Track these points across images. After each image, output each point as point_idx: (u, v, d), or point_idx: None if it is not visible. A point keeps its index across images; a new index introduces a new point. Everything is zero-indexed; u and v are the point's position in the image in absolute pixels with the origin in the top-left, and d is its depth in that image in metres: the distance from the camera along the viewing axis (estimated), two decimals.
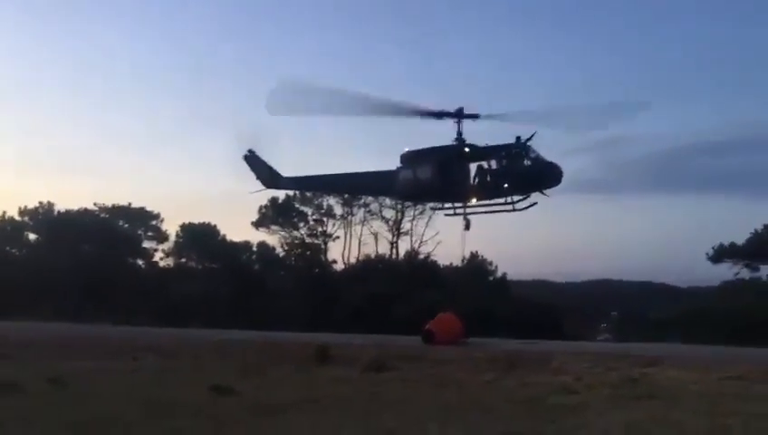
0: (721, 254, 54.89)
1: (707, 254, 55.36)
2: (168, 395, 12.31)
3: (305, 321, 46.76)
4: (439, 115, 28.01)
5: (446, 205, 30.10)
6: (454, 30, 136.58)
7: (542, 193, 27.39)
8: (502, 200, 28.03)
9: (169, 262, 66.19)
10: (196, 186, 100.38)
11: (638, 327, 54.78)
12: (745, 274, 54.45)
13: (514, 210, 27.96)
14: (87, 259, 58.60)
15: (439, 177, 28.02)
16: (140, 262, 66.50)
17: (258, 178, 32.45)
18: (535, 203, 27.77)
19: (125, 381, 14.66)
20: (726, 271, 55.02)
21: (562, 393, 13.40)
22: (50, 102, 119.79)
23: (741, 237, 55.23)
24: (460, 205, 29.02)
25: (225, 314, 49.35)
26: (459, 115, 27.93)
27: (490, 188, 27.85)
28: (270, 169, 32.49)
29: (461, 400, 12.66)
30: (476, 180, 28.12)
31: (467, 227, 28.70)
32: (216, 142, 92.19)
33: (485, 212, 29.13)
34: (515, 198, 27.65)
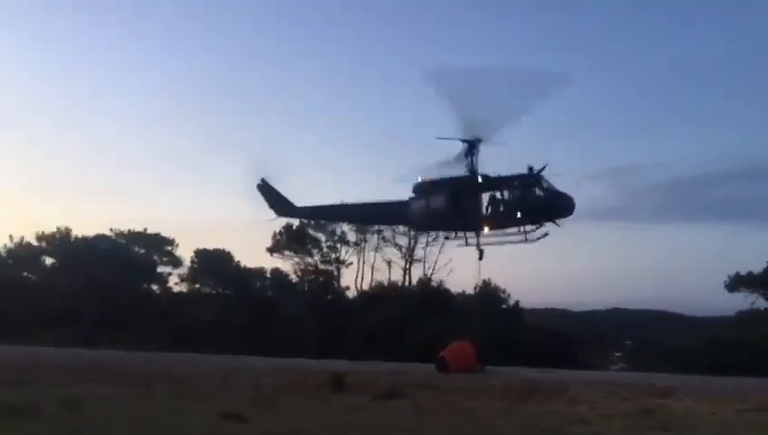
0: (737, 283, 54.32)
1: (724, 282, 54.87)
2: (179, 422, 12.33)
3: (318, 347, 46.63)
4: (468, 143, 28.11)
5: (459, 234, 30.20)
6: None
7: (555, 223, 27.44)
8: (514, 230, 28.12)
9: (183, 287, 66.40)
10: (212, 212, 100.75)
11: (653, 357, 54.16)
12: (761, 303, 53.89)
13: (527, 241, 28.12)
14: (102, 284, 58.84)
15: (452, 206, 28.21)
16: (155, 287, 66.71)
17: (271, 207, 32.76)
18: (547, 234, 27.93)
19: (137, 406, 14.68)
20: (742, 300, 54.47)
21: (577, 423, 13.29)
22: (67, 127, 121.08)
23: (757, 266, 54.78)
24: (473, 234, 29.13)
25: (238, 340, 49.27)
26: (472, 144, 28.09)
27: (502, 218, 28.01)
28: (283, 198, 32.80)
29: (474, 428, 12.60)
30: (489, 210, 28.25)
31: (481, 256, 28.85)
32: (232, 168, 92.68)
33: (498, 242, 29.29)
34: (528, 227, 27.70)
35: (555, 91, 30.04)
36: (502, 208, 27.93)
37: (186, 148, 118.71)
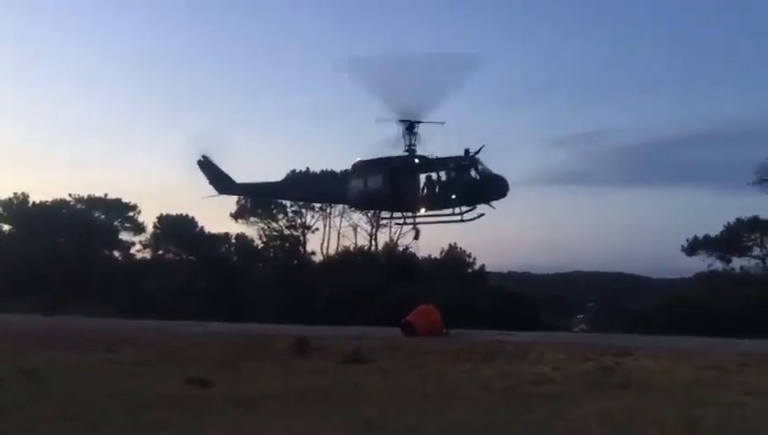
0: (695, 246, 55.37)
1: (682, 245, 55.89)
2: (145, 388, 12.25)
3: (283, 312, 46.63)
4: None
5: (396, 214, 30.69)
6: None
7: (489, 205, 27.81)
8: (449, 211, 28.49)
9: (147, 254, 65.63)
10: (174, 177, 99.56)
11: (614, 318, 55.24)
12: (719, 266, 55.10)
13: (462, 220, 28.56)
14: (63, 251, 57.94)
15: (389, 187, 28.53)
16: (117, 254, 65.85)
17: (211, 183, 32.57)
18: (482, 214, 28.40)
19: (101, 373, 14.55)
20: (700, 263, 55.59)
21: (540, 383, 13.53)
22: (24, 92, 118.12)
23: (715, 229, 55.91)
24: (410, 215, 29.63)
25: (203, 306, 49.04)
26: (410, 125, 28.27)
27: (438, 200, 28.44)
28: (224, 175, 32.59)
29: (440, 390, 12.74)
30: (425, 191, 28.59)
31: (417, 236, 29.97)
32: (194, 132, 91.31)
33: (434, 222, 30.05)
34: (463, 208, 28.07)
35: (469, 72, 30.32)
36: (437, 190, 28.35)
37: (147, 110, 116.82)
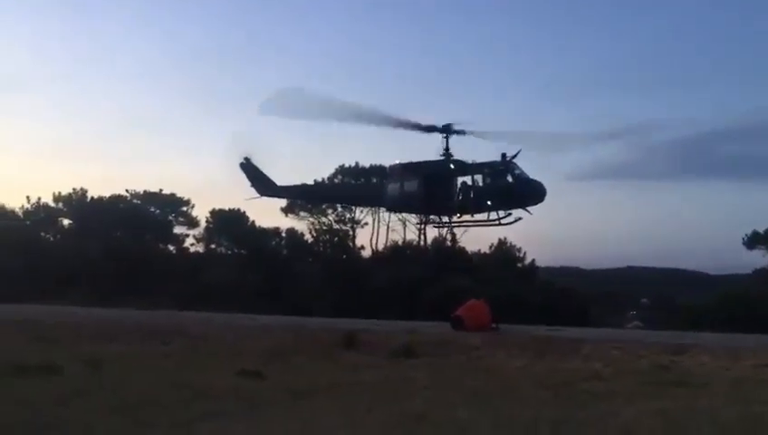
0: (755, 240, 53.97)
1: (742, 239, 54.54)
2: (198, 379, 12.47)
3: (333, 306, 46.97)
4: (428, 129, 28.43)
5: (433, 218, 30.72)
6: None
7: (526, 210, 27.51)
8: (485, 216, 28.30)
9: (200, 248, 66.87)
10: (227, 172, 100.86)
11: (668, 315, 54.18)
12: None
13: (500, 225, 28.62)
14: (119, 245, 59.41)
15: (425, 191, 28.70)
16: (171, 247, 67.25)
17: (253, 185, 32.95)
18: (520, 218, 28.23)
19: (156, 364, 14.86)
20: (760, 258, 54.19)
21: (592, 380, 13.33)
22: (82, 89, 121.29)
23: None
24: (446, 219, 29.68)
25: (254, 300, 49.71)
26: (447, 131, 28.46)
27: (474, 204, 28.43)
28: (265, 177, 32.93)
29: (490, 386, 12.66)
30: (461, 196, 28.51)
31: (453, 239, 30.20)
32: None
33: (470, 226, 30.61)
34: (500, 213, 27.90)
35: None
36: (473, 195, 28.27)
37: (202, 106, 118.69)
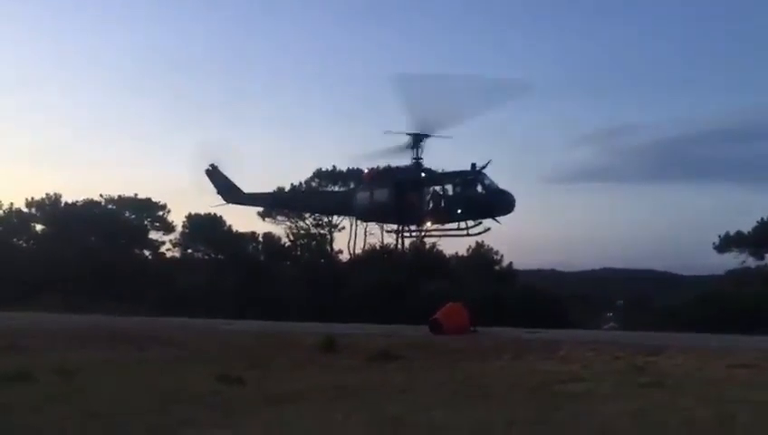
0: (727, 242, 54.54)
1: (714, 243, 55.09)
2: (176, 385, 12.37)
3: (311, 311, 46.77)
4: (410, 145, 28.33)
5: (402, 227, 30.87)
6: None
7: (495, 220, 27.62)
8: (455, 226, 28.47)
9: (176, 253, 66.25)
10: (194, 179, 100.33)
11: (644, 316, 54.62)
12: (751, 262, 54.17)
13: (468, 235, 28.87)
14: (94, 250, 58.69)
15: (395, 200, 28.61)
16: (147, 253, 66.54)
17: (219, 192, 32.77)
18: (488, 229, 28.41)
19: (132, 371, 14.71)
20: (732, 260, 54.72)
21: (569, 381, 13.42)
22: (55, 94, 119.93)
23: (747, 226, 55.00)
24: (415, 228, 29.69)
25: (231, 305, 49.40)
26: (418, 138, 28.33)
27: (443, 214, 28.47)
28: (231, 184, 32.76)
29: (468, 388, 12.69)
30: (430, 205, 28.59)
31: (431, 245, 30.31)
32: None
33: (440, 236, 30.94)
34: (469, 223, 28.03)
35: (514, 96, 30.60)
36: (443, 204, 28.30)
37: (174, 111, 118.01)
